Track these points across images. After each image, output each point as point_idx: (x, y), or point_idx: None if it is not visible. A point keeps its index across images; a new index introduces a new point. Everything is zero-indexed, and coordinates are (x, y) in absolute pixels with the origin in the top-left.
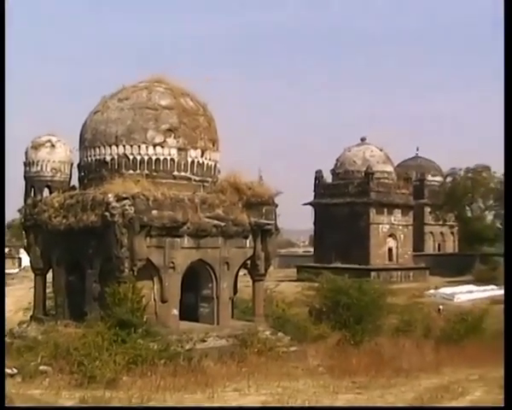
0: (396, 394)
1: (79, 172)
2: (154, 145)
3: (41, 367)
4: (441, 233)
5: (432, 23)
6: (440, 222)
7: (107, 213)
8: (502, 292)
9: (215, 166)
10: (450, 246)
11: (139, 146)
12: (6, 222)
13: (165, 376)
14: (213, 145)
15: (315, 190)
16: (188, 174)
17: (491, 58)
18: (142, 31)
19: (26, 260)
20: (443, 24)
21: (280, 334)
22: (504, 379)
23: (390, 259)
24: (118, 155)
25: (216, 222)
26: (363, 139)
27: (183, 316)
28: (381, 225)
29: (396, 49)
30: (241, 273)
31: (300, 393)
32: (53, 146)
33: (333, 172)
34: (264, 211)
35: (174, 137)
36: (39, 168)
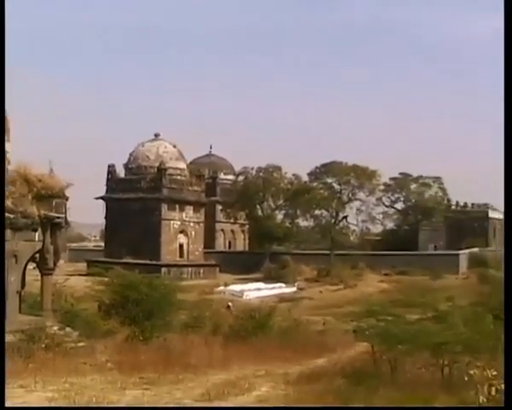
0: (184, 390)
1: None
2: None
3: None
4: (232, 231)
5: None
6: (231, 220)
7: None
8: (290, 290)
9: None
10: (241, 244)
11: None
12: None
13: None
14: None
15: (107, 185)
16: None
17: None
18: None
19: None
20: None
21: (68, 329)
22: (504, 379)
23: (181, 255)
24: None
25: (4, 214)
26: (156, 135)
27: None
28: (172, 222)
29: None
30: (30, 267)
31: (88, 389)
32: None
33: (126, 166)
34: (54, 204)
35: None
36: None
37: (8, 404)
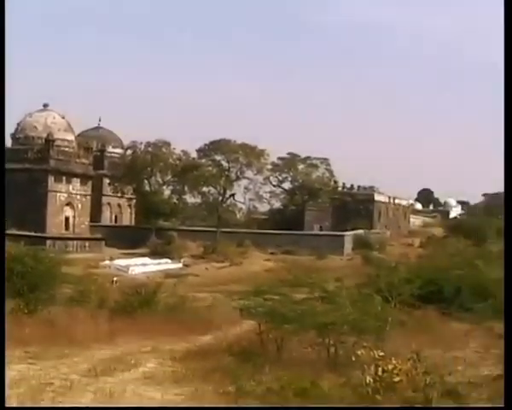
0: (69, 364)
1: None
2: None
3: None
4: (119, 205)
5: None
6: (119, 194)
7: None
8: (175, 266)
9: None
10: (128, 218)
11: None
12: None
13: None
14: None
15: None
16: None
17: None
18: None
19: None
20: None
21: None
22: (504, 379)
23: (67, 228)
24: None
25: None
26: (45, 105)
27: None
28: (59, 194)
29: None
30: None
31: None
32: None
33: (13, 136)
34: None
35: None
36: None
37: None
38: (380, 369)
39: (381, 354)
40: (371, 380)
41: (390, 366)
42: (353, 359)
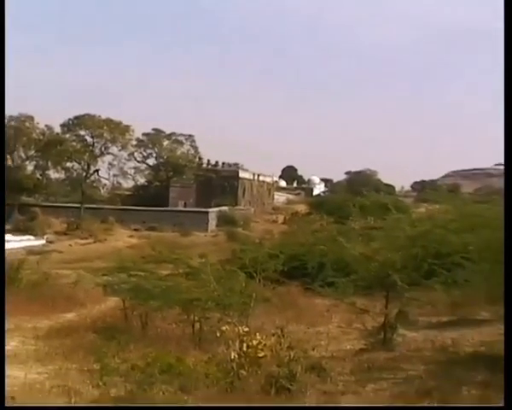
0: None
1: None
2: None
3: None
4: None
5: None
6: None
7: None
8: (38, 243)
9: None
10: None
11: None
12: None
13: None
14: None
15: None
16: None
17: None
18: None
19: None
20: None
21: None
22: (504, 379)
23: None
24: None
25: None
26: None
27: None
28: None
29: None
30: None
31: None
32: None
33: None
34: None
35: None
36: None
37: None
38: (244, 345)
39: (246, 329)
40: (236, 356)
41: (254, 342)
42: (218, 335)
